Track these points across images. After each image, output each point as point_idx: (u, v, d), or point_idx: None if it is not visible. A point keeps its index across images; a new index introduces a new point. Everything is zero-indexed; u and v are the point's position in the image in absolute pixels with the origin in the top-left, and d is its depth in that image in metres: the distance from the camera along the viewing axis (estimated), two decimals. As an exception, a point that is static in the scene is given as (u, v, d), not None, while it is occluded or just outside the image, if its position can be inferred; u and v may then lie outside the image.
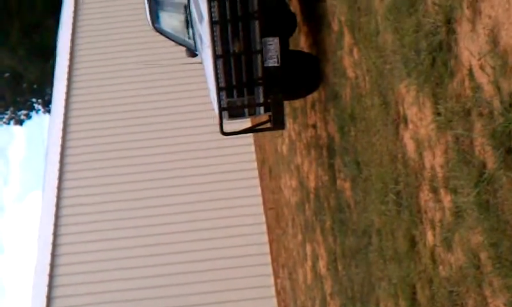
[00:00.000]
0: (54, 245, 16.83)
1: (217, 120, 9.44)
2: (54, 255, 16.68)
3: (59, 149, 18.31)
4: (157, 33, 12.05)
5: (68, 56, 20.08)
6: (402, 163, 6.17)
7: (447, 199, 5.13)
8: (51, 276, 16.34)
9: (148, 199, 17.25)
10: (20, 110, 38.70)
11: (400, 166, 6.23)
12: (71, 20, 20.90)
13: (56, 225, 17.11)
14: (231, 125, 10.00)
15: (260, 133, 15.70)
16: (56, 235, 16.98)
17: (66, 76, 19.65)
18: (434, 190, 5.37)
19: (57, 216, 17.24)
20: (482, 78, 4.41)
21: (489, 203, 4.38)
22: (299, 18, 10.88)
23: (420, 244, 5.79)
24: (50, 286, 16.21)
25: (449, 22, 4.83)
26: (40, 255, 17.34)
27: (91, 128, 18.69)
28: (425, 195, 5.61)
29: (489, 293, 4.49)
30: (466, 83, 4.66)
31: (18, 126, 39.39)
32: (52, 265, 16.51)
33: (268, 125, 9.99)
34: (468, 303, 4.81)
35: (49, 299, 16.04)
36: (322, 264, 10.32)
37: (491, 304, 4.47)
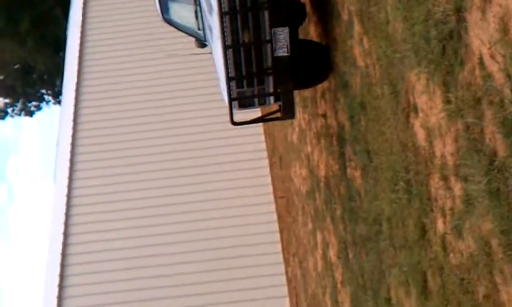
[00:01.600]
0: (66, 234, 16.94)
1: (227, 110, 9.48)
2: (65, 244, 16.80)
3: (70, 140, 18.40)
4: (167, 24, 12.07)
5: (78, 48, 20.14)
6: (412, 151, 6.20)
7: (457, 187, 5.16)
8: (62, 265, 16.47)
9: (158, 189, 17.33)
10: (30, 101, 38.82)
11: (410, 155, 6.26)
12: (81, 11, 20.95)
13: (68, 215, 17.23)
14: (241, 115, 10.03)
15: (270, 123, 15.75)
16: (67, 225, 17.10)
17: (76, 68, 19.72)
18: (445, 178, 5.40)
19: (68, 205, 17.37)
20: (493, 67, 4.43)
21: (499, 191, 4.40)
22: (308, 8, 10.89)
23: (431, 231, 5.82)
24: (62, 276, 16.34)
25: (459, 11, 4.84)
26: (51, 246, 17.46)
27: (102, 119, 18.77)
28: (435, 183, 5.63)
29: (500, 280, 4.52)
30: (477, 71, 4.67)
31: (28, 118, 39.55)
32: (63, 254, 16.62)
33: (278, 114, 10.01)
34: (479, 290, 4.84)
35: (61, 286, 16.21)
36: (332, 252, 10.37)
37: (503, 291, 4.50)
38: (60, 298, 15.98)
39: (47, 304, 16.45)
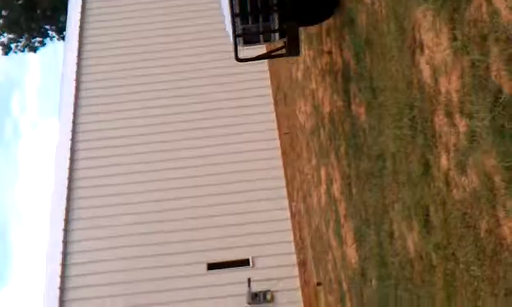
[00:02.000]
0: (71, 169, 17.09)
1: (232, 47, 9.45)
2: (70, 179, 16.95)
3: (74, 76, 18.40)
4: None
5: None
6: (417, 88, 6.23)
7: (461, 124, 5.20)
8: (68, 199, 16.66)
9: (163, 125, 17.40)
10: (34, 37, 38.57)
11: (415, 91, 6.28)
12: None
13: (73, 149, 17.35)
14: (246, 52, 10.01)
15: (275, 60, 15.69)
16: (72, 159, 17.23)
17: (80, 3, 19.59)
18: (449, 115, 5.44)
19: (73, 141, 17.48)
20: (500, 4, 4.43)
21: (504, 127, 4.44)
22: None
23: (434, 167, 5.88)
24: (68, 210, 16.54)
25: None
26: (57, 178, 17.61)
27: (106, 55, 18.73)
28: (440, 120, 5.67)
29: (502, 214, 4.60)
30: (484, 8, 4.67)
31: (32, 54, 39.38)
32: (70, 188, 16.79)
33: (283, 51, 9.99)
34: (481, 225, 4.93)
35: (67, 220, 16.42)
36: (336, 187, 10.47)
37: (504, 226, 4.59)
38: (67, 220, 16.23)
39: (54, 228, 16.64)
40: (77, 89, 18.25)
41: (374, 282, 8.32)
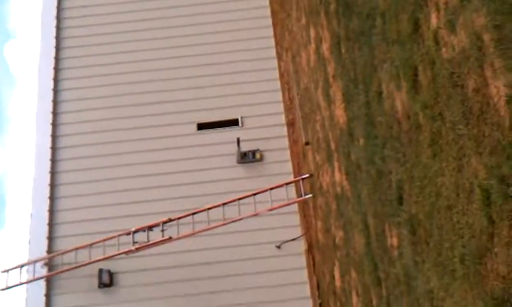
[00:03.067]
0: (57, 48, 16.90)
1: None
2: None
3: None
4: None
5: None
6: None
7: (453, -19, 5.12)
8: (57, 59, 16.60)
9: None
10: None
11: None
12: None
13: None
14: None
15: None
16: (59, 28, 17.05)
17: None
18: (441, -28, 5.34)
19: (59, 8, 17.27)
20: None
21: (495, -15, 4.38)
22: None
23: (424, 26, 5.82)
24: (56, 72, 16.49)
25: None
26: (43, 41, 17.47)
27: None
28: (431, -23, 5.58)
29: (490, 74, 4.60)
30: None
31: None
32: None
33: None
34: (469, 84, 4.94)
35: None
36: (325, 47, 10.40)
37: (491, 85, 4.59)
38: (56, 80, 16.27)
39: (43, 89, 16.63)
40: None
41: (361, 141, 8.41)
